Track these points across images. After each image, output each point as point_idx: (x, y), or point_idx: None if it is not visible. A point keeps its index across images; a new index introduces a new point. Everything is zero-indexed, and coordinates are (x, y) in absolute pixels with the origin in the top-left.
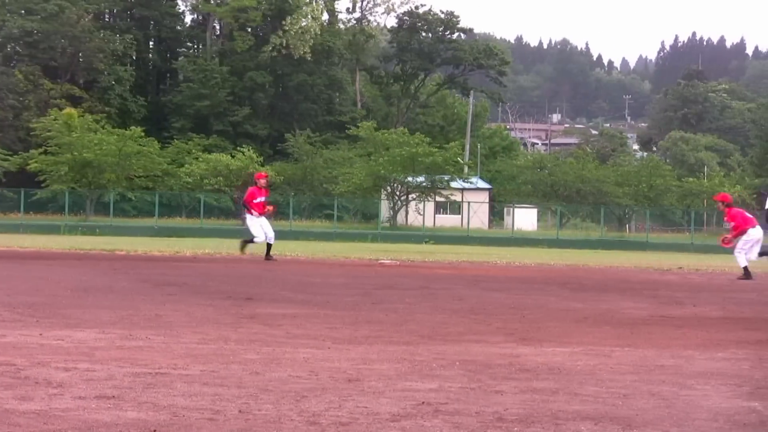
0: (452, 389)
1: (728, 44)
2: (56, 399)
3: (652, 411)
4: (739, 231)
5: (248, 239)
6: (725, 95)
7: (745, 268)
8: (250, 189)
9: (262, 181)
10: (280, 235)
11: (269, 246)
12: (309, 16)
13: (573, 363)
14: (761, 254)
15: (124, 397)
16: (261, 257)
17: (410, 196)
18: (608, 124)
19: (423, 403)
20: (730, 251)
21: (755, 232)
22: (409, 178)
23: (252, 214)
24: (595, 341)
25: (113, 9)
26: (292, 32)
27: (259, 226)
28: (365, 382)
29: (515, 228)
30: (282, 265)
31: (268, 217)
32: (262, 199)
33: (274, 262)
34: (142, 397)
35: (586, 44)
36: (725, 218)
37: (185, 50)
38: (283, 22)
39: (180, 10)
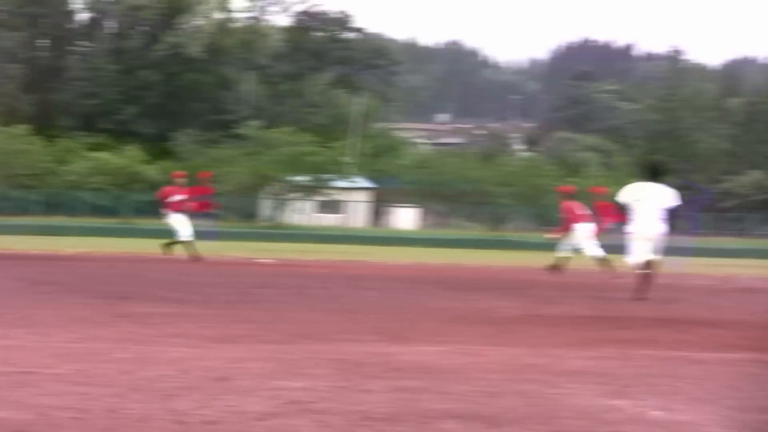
0: (322, 388)
1: (616, 46)
2: None
3: (519, 409)
4: (568, 225)
5: (174, 239)
6: (611, 96)
7: (557, 260)
8: (167, 187)
9: (180, 180)
10: (162, 234)
11: (181, 242)
12: (202, 15)
13: (443, 362)
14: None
15: None
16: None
17: (293, 195)
18: (497, 124)
19: (292, 401)
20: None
21: (584, 228)
22: (294, 177)
23: (169, 211)
24: (466, 340)
25: (4, 7)
26: (185, 31)
27: (180, 223)
28: (235, 381)
29: (397, 227)
30: (160, 263)
31: (193, 216)
32: (181, 197)
33: (172, 257)
34: (10, 397)
35: (478, 45)
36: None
37: (77, 48)
38: (177, 21)
39: (72, 8)
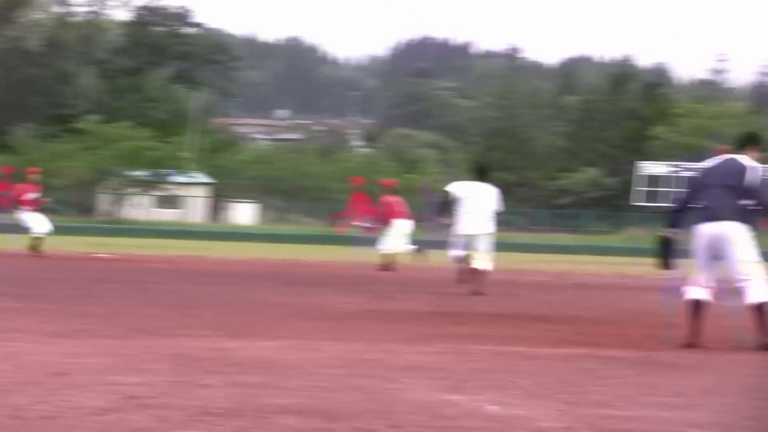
0: (160, 383)
1: (454, 43)
2: None
3: (357, 404)
4: (382, 220)
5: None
6: (450, 93)
7: (384, 257)
8: (20, 185)
9: (33, 177)
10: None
11: (35, 238)
12: (42, 9)
13: (282, 357)
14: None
15: None
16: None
17: (132, 190)
18: (336, 121)
19: (130, 396)
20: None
21: (401, 225)
22: (133, 172)
23: (22, 209)
24: (305, 335)
25: None
26: (23, 24)
27: (35, 219)
28: (73, 376)
29: (236, 222)
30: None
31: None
32: (34, 195)
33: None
34: None
35: (317, 42)
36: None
37: None
38: (15, 14)
39: None
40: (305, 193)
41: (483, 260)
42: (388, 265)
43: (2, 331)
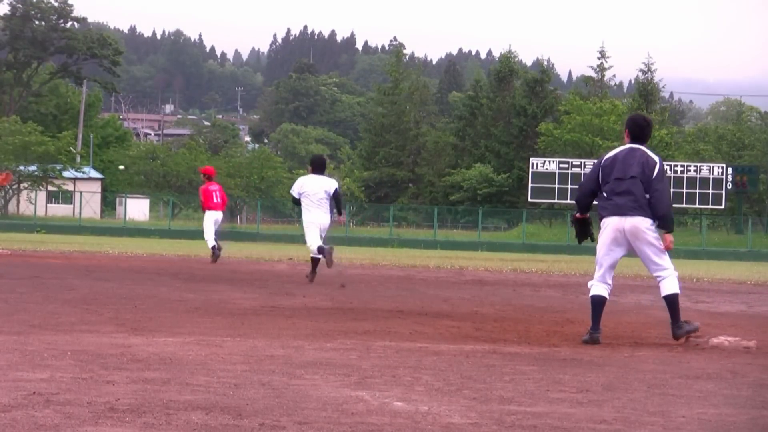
0: (64, 379)
1: (339, 38)
2: None
3: (263, 400)
4: (203, 207)
5: None
6: (335, 89)
7: (213, 249)
8: None
9: None
10: None
11: None
12: None
13: (184, 353)
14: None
15: None
16: None
17: (22, 185)
18: (221, 116)
19: (34, 393)
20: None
21: (212, 215)
22: (21, 167)
23: None
24: (206, 331)
25: None
26: None
27: None
28: None
29: (127, 218)
30: None
31: None
32: None
33: None
34: None
35: (200, 36)
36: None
37: None
38: None
39: None
40: (196, 188)
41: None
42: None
43: None
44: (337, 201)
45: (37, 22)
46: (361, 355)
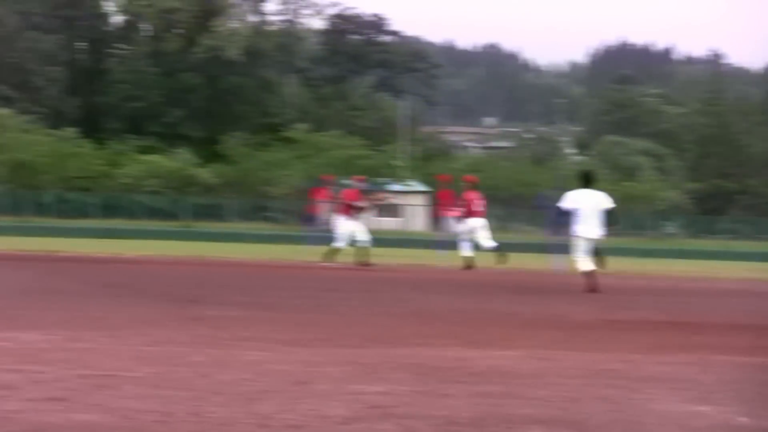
0: (401, 392)
1: (656, 49)
2: (5, 401)
3: (603, 415)
4: (463, 214)
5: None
6: (657, 99)
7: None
8: (347, 190)
9: (358, 183)
10: (220, 237)
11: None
12: (237, 18)
13: (521, 366)
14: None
15: (74, 399)
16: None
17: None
18: (544, 128)
19: (373, 406)
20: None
21: (472, 222)
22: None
23: (342, 215)
24: (542, 345)
25: (41, 10)
26: (221, 34)
27: (350, 228)
28: (315, 385)
29: (454, 231)
30: (225, 267)
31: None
32: (361, 203)
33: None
34: (91, 399)
35: (516, 48)
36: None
37: (116, 51)
38: (211, 24)
39: (106, 11)
40: (522, 201)
41: (594, 262)
42: (469, 266)
43: (241, 340)
44: (611, 215)
45: (354, 37)
46: (701, 369)
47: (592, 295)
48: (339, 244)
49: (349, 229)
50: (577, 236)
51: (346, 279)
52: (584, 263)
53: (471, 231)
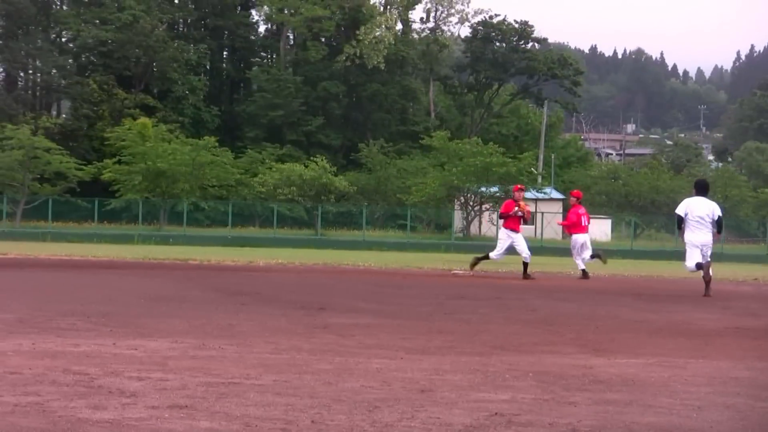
0: (525, 400)
1: None
2: (129, 408)
3: (727, 423)
4: (568, 229)
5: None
6: None
7: (583, 271)
8: (507, 201)
9: (518, 194)
10: (352, 245)
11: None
12: (383, 26)
13: (647, 374)
14: (592, 257)
15: (197, 406)
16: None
17: (483, 206)
18: (683, 135)
19: (496, 414)
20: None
21: (578, 238)
22: (483, 189)
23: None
24: (668, 352)
25: (187, 19)
26: (365, 42)
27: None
28: (438, 393)
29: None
30: (355, 275)
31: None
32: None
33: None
34: (214, 407)
35: (661, 54)
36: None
37: (258, 60)
38: (357, 32)
39: (254, 20)
40: (659, 208)
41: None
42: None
43: (367, 348)
44: (718, 224)
45: (498, 44)
46: None
47: (721, 302)
48: (525, 256)
49: (513, 241)
50: (687, 242)
51: (474, 286)
52: (692, 268)
53: (577, 245)
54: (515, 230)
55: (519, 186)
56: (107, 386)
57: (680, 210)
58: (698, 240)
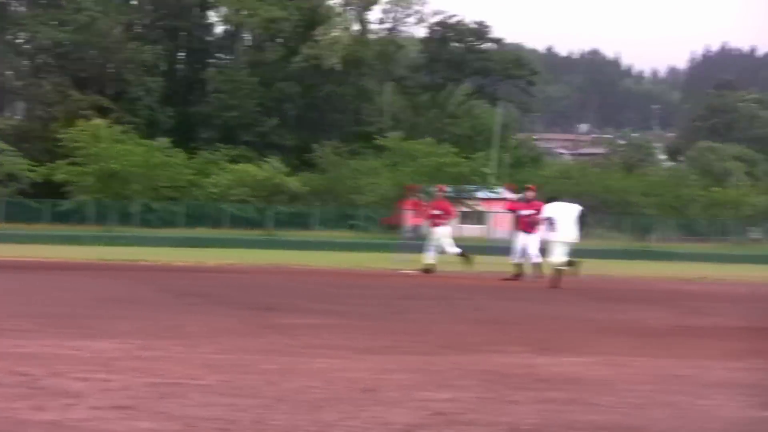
0: (468, 399)
1: (759, 54)
2: (71, 409)
3: (667, 421)
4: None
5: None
6: (754, 105)
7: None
8: (512, 201)
9: (530, 194)
10: (304, 245)
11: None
12: (340, 27)
13: (590, 373)
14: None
15: (139, 407)
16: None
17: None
18: (636, 134)
19: (438, 413)
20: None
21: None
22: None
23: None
24: (613, 351)
25: (144, 20)
26: (322, 43)
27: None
28: (381, 392)
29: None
30: (305, 275)
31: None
32: (529, 213)
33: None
34: (156, 408)
35: (616, 54)
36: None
37: (215, 61)
38: (314, 33)
39: (211, 22)
40: (610, 207)
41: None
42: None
43: (312, 348)
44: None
45: (454, 44)
46: None
47: (668, 301)
48: (536, 260)
49: (525, 243)
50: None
51: (423, 286)
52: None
53: (438, 238)
54: (528, 231)
55: (531, 186)
56: (50, 387)
57: (547, 212)
58: (565, 237)
